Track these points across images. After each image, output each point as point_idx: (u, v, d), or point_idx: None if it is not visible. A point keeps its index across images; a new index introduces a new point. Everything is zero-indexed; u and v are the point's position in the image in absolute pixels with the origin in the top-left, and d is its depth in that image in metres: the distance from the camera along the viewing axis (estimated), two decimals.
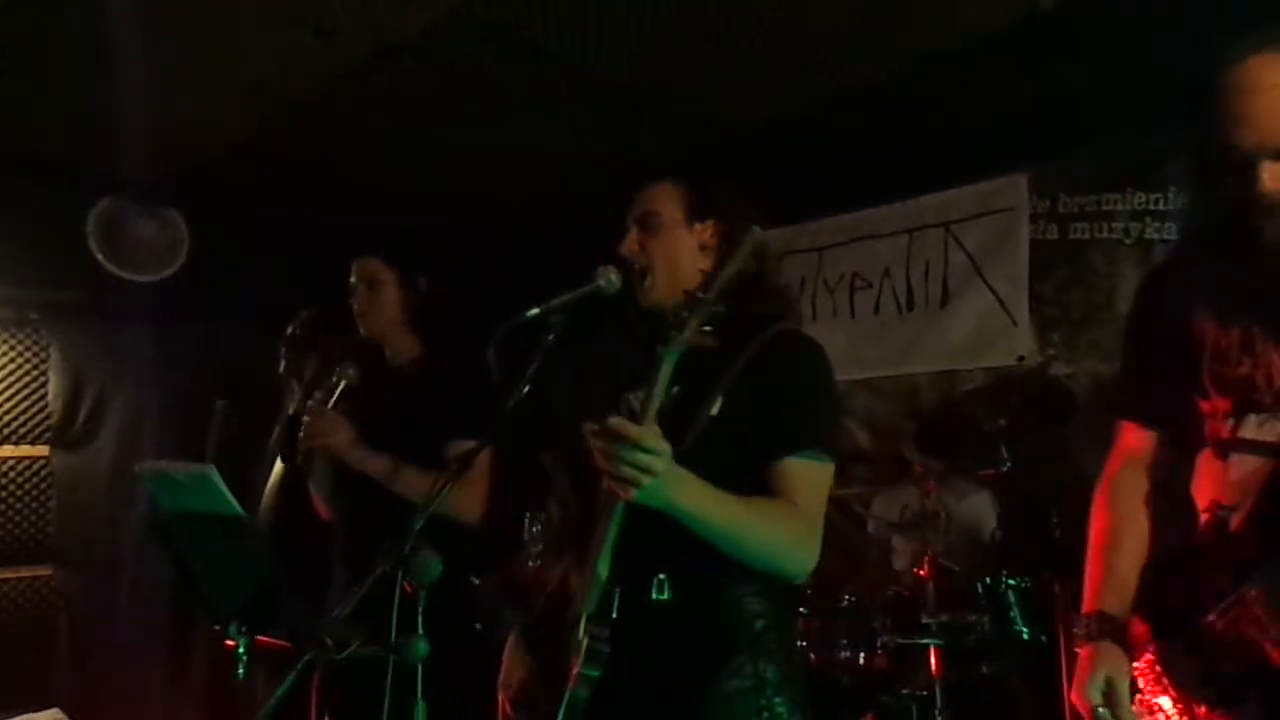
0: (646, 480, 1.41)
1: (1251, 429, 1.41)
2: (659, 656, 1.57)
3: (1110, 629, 1.46)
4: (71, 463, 3.93)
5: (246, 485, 2.83)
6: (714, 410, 1.58)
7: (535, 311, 1.71)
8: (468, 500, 2.31)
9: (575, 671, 1.56)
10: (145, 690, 3.79)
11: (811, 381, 1.63)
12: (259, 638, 2.03)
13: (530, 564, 3.78)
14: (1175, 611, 1.43)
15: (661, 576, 1.56)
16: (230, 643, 2.02)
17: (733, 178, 1.80)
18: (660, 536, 1.52)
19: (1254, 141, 1.39)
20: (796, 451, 1.57)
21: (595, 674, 1.54)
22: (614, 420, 1.42)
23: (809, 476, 1.57)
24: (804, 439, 1.58)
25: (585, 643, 1.56)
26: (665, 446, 1.42)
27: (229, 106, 3.26)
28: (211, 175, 3.69)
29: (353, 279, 2.52)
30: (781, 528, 1.54)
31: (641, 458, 1.40)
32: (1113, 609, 1.48)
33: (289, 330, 2.95)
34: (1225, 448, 1.43)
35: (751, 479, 1.57)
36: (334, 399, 2.39)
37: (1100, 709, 1.41)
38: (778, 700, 1.53)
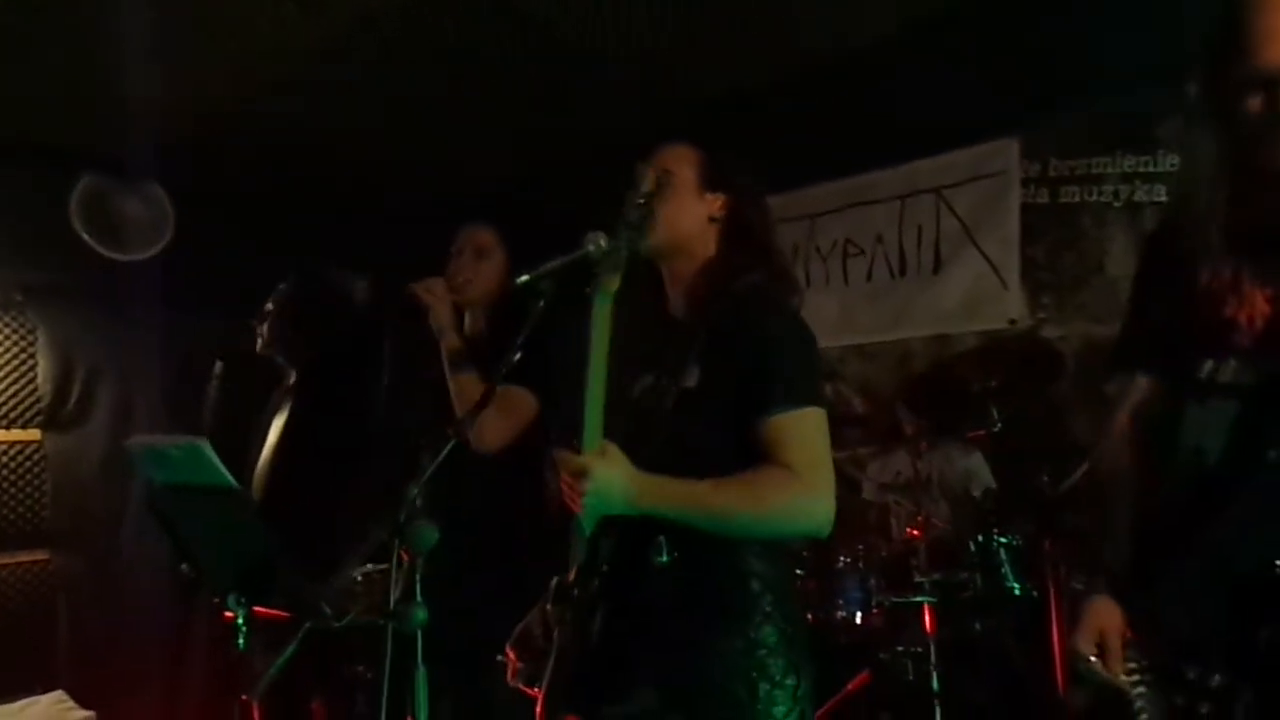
0: (587, 499, 1.50)
1: (1230, 372, 1.40)
2: (658, 617, 1.58)
3: (1104, 583, 1.48)
4: (64, 445, 3.90)
5: (242, 455, 2.85)
6: (691, 382, 1.58)
7: (524, 278, 1.71)
8: (490, 430, 2.28)
9: (562, 624, 1.60)
10: (146, 668, 3.80)
11: (777, 335, 1.61)
12: (257, 608, 2.04)
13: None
14: (1145, 566, 1.44)
15: (661, 539, 1.58)
16: (229, 614, 2.03)
17: (731, 144, 1.79)
18: None
19: (1278, 57, 1.33)
20: (775, 408, 1.55)
21: (577, 621, 1.58)
22: (555, 454, 1.53)
23: (795, 429, 1.55)
24: (780, 394, 1.56)
25: (570, 593, 1.60)
26: (595, 467, 1.50)
27: (214, 82, 3.23)
28: (196, 152, 3.66)
29: (459, 244, 2.52)
30: (766, 498, 1.54)
31: (581, 483, 1.49)
32: (1108, 562, 1.49)
33: (266, 305, 2.95)
34: (1206, 392, 1.42)
35: (741, 445, 1.57)
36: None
37: (1092, 658, 1.43)
38: (771, 662, 1.54)
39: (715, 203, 1.72)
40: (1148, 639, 1.40)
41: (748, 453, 1.56)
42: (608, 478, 1.50)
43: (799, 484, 1.54)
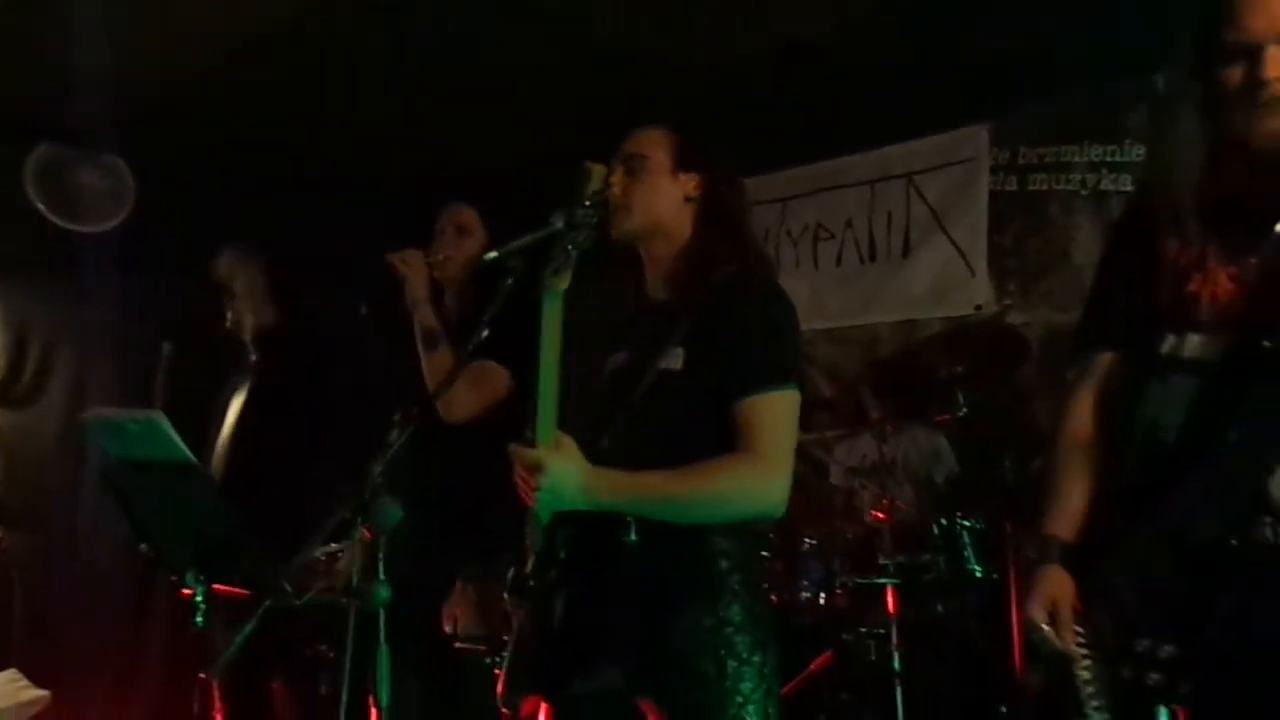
0: (541, 494, 1.52)
1: (1193, 348, 1.41)
2: (628, 596, 1.59)
3: (1057, 553, 1.50)
4: (18, 421, 3.82)
5: (198, 435, 2.81)
6: (677, 364, 1.59)
7: (493, 254, 1.71)
8: (458, 402, 2.30)
9: (521, 609, 1.61)
10: (103, 647, 3.75)
11: (759, 317, 1.63)
12: (216, 586, 2.02)
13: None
14: (1098, 540, 1.46)
15: (630, 518, 1.58)
16: (187, 591, 2.01)
17: (702, 128, 1.79)
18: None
19: (1261, 26, 1.34)
20: (752, 389, 1.57)
21: (534, 608, 1.58)
22: (510, 447, 1.55)
23: (768, 410, 1.57)
24: (758, 375, 1.58)
25: (528, 580, 1.61)
26: (549, 461, 1.51)
27: (173, 48, 3.15)
28: (157, 121, 3.57)
29: (441, 223, 2.54)
30: (718, 483, 1.56)
31: (535, 477, 1.51)
32: (1061, 533, 1.51)
33: (226, 280, 2.90)
34: (1167, 367, 1.42)
35: (719, 428, 1.58)
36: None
37: (1044, 626, 1.46)
38: (738, 639, 1.55)
39: (690, 183, 1.72)
40: (1096, 611, 1.41)
41: (723, 434, 1.57)
42: (562, 472, 1.52)
43: (753, 467, 1.56)
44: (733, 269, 1.66)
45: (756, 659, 1.56)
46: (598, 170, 1.67)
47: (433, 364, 2.34)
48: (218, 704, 2.57)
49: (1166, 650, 1.32)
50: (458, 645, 2.22)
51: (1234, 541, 1.31)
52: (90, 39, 2.99)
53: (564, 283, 1.62)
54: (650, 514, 1.55)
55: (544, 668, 1.60)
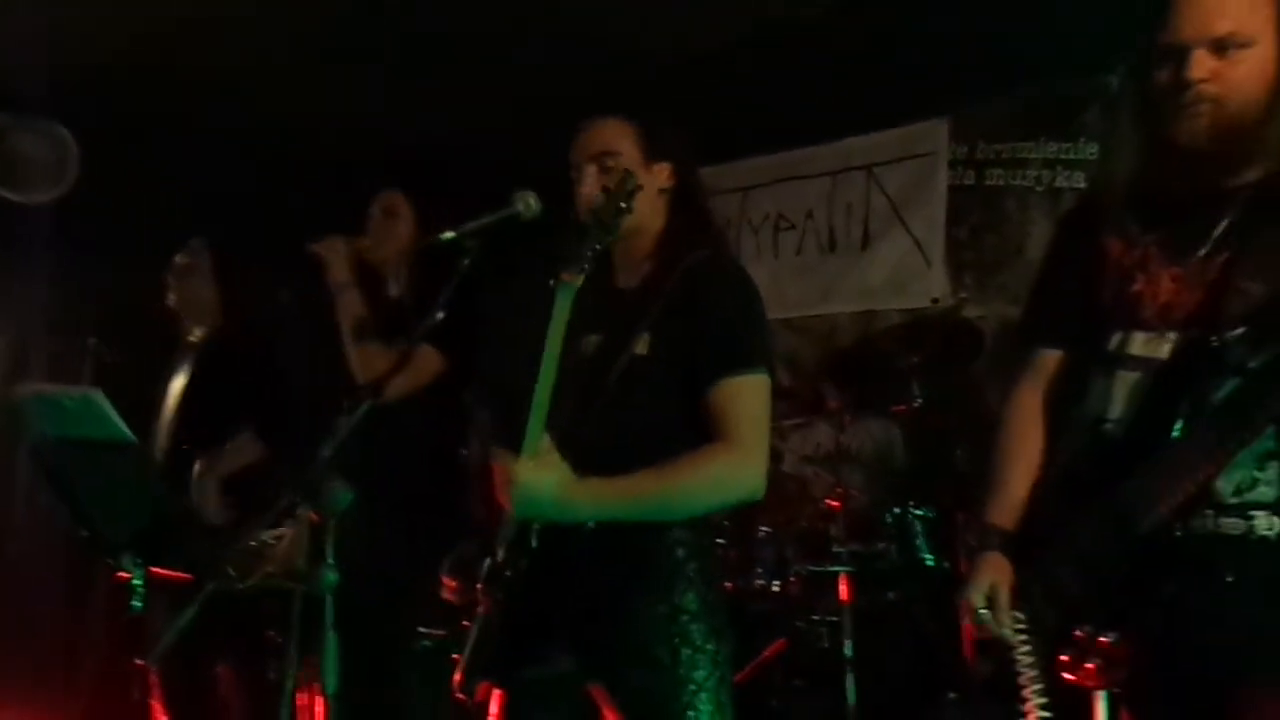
0: (515, 505, 1.52)
1: (1138, 346, 1.44)
2: (584, 583, 1.59)
3: (997, 540, 1.53)
4: None
5: (137, 413, 2.75)
6: (643, 350, 1.58)
7: (449, 234, 1.70)
8: (395, 388, 2.28)
9: (487, 598, 1.59)
10: (40, 632, 3.65)
11: (731, 302, 1.63)
12: (156, 569, 1.97)
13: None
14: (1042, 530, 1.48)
15: None
16: (123, 575, 1.96)
17: (669, 111, 1.78)
18: (589, 467, 1.55)
19: (1189, 29, 1.38)
20: (725, 373, 1.57)
21: (504, 598, 1.57)
22: (501, 459, 1.54)
23: (741, 394, 1.58)
24: (731, 359, 1.58)
25: (497, 569, 1.59)
26: (522, 475, 1.50)
27: (120, 15, 3.04)
28: (99, 89, 3.45)
29: (372, 208, 2.59)
30: (704, 477, 1.56)
31: (531, 500, 1.51)
32: (1001, 522, 1.54)
33: (176, 260, 2.85)
34: (1113, 364, 1.46)
35: (689, 413, 1.58)
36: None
37: (981, 610, 1.49)
38: (693, 627, 1.56)
39: (662, 173, 1.71)
40: (1040, 599, 1.44)
41: (694, 419, 1.58)
42: (534, 486, 1.51)
43: (730, 455, 1.56)
44: (706, 254, 1.66)
45: (710, 647, 1.57)
46: (630, 173, 1.64)
47: (360, 354, 2.36)
48: (157, 690, 2.52)
49: (1106, 636, 1.35)
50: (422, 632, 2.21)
51: (1177, 532, 1.34)
52: (32, 8, 2.89)
53: (579, 280, 1.60)
54: (635, 518, 1.55)
55: (499, 654, 1.59)
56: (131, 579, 1.97)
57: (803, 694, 3.09)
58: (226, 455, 2.62)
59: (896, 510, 3.04)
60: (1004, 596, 1.47)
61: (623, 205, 1.59)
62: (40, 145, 3.66)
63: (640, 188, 1.61)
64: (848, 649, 2.89)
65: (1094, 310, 1.50)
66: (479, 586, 1.63)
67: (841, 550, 2.97)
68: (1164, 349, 1.41)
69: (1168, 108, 1.41)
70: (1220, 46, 1.37)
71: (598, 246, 1.59)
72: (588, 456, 1.55)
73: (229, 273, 2.91)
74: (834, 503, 3.05)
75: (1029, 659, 1.42)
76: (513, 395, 1.58)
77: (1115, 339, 1.46)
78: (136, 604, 1.97)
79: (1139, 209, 1.47)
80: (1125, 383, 1.44)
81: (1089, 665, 1.36)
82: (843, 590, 2.94)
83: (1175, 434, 1.35)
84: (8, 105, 3.54)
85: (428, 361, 2.32)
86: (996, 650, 1.48)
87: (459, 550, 1.85)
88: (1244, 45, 1.37)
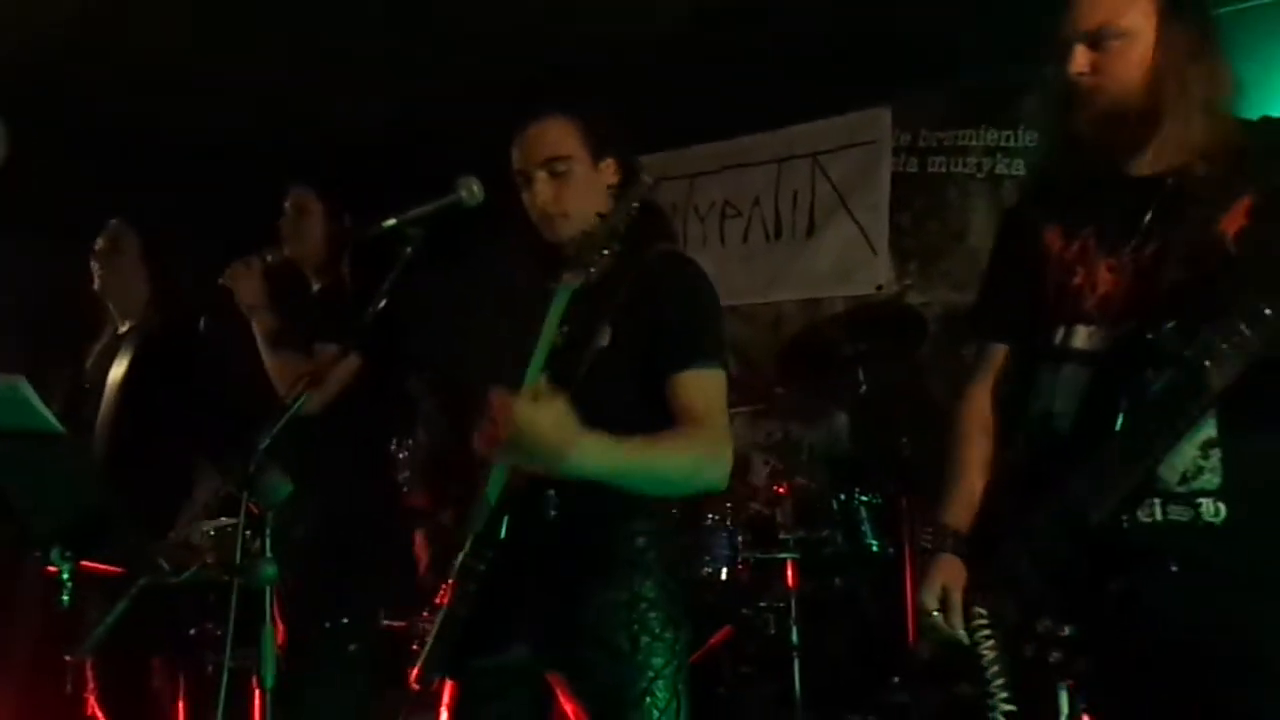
0: (507, 444, 1.41)
1: (1081, 339, 1.46)
2: (543, 571, 1.58)
3: (951, 541, 1.54)
4: None
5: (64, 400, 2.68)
6: (604, 341, 1.56)
7: (391, 222, 1.67)
8: (284, 380, 2.39)
9: (453, 589, 1.56)
10: None
11: (689, 297, 1.64)
12: (86, 563, 1.92)
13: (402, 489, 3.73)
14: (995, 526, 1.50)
15: (551, 492, 1.57)
16: (52, 569, 1.90)
17: (606, 102, 1.76)
18: None
19: (1073, 22, 1.43)
20: (685, 366, 1.57)
21: (473, 590, 1.54)
22: (500, 396, 1.42)
23: (702, 386, 1.58)
24: (689, 353, 1.59)
25: (463, 561, 1.56)
26: (524, 411, 1.39)
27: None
28: (27, 71, 3.32)
29: (285, 204, 2.61)
30: (689, 452, 1.55)
31: (527, 438, 1.39)
32: (955, 522, 1.55)
33: (98, 245, 2.79)
34: (1058, 358, 1.47)
35: (648, 403, 1.58)
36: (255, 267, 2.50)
37: (934, 613, 1.50)
38: (651, 615, 1.56)
39: (609, 169, 1.70)
40: (999, 594, 1.45)
41: (654, 409, 1.57)
42: (538, 424, 1.39)
43: (709, 436, 1.56)
44: (666, 247, 1.67)
45: (669, 635, 1.57)
46: (644, 177, 1.65)
47: (276, 366, 2.43)
48: (91, 685, 2.46)
49: (1066, 630, 1.37)
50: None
51: (1125, 522, 1.36)
52: None
53: (579, 280, 1.60)
54: (624, 483, 1.51)
55: (458, 649, 1.57)
56: (60, 573, 1.91)
57: (750, 680, 3.11)
58: (196, 501, 2.61)
59: (842, 497, 3.07)
60: (956, 597, 1.48)
61: (636, 205, 1.62)
62: None
63: (565, 174, 1.65)
64: (794, 635, 2.92)
65: (1039, 304, 1.51)
66: (449, 581, 1.60)
67: (789, 537, 2.99)
68: (1105, 342, 1.43)
69: (1061, 100, 1.46)
70: (1096, 39, 1.41)
71: (606, 251, 1.59)
72: None
73: (157, 258, 2.84)
74: (781, 489, 3.07)
75: (992, 654, 1.43)
76: (466, 385, 1.56)
77: (1059, 333, 1.48)
78: (64, 599, 1.91)
79: (1073, 201, 1.50)
80: (1069, 376, 1.45)
81: (1049, 659, 1.37)
82: (790, 577, 2.96)
83: (1118, 426, 1.36)
84: None
85: (342, 369, 2.32)
86: (947, 647, 1.49)
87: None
88: (1119, 37, 1.41)
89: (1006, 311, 1.59)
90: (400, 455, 3.86)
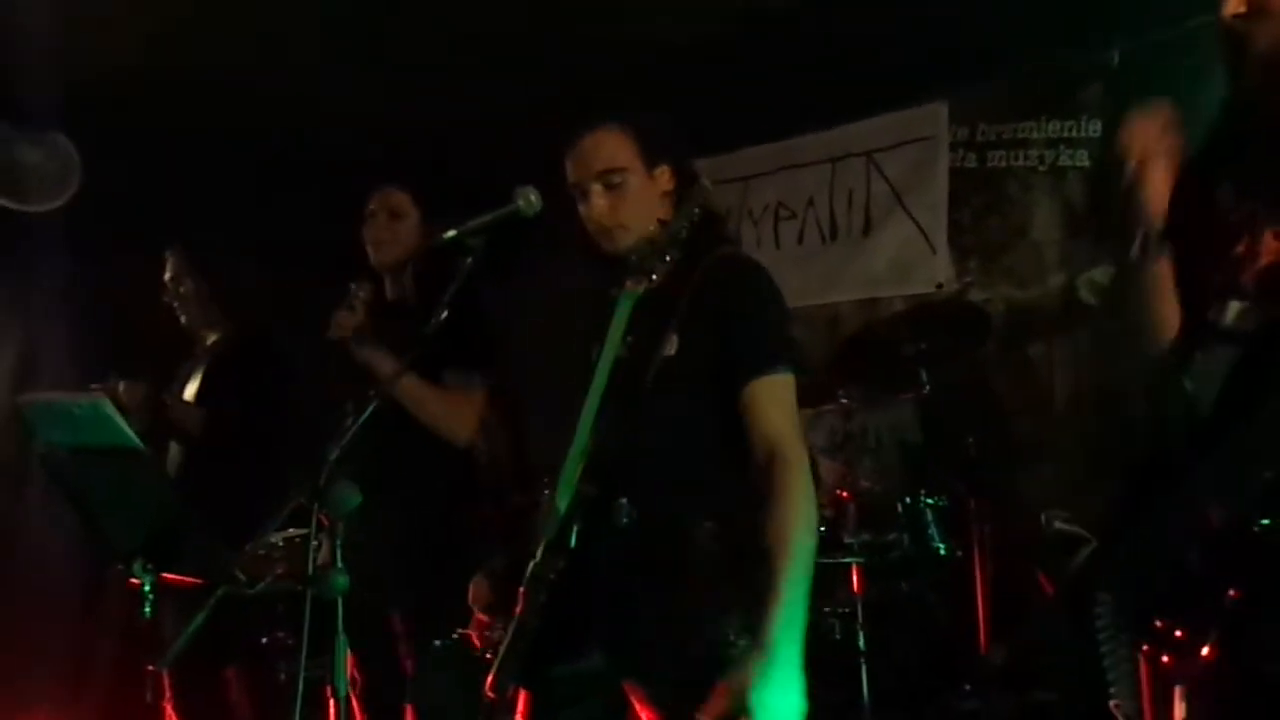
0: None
1: (1233, 315, 1.35)
2: (616, 578, 1.57)
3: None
4: None
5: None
6: (671, 350, 1.56)
7: (452, 233, 1.68)
8: (460, 420, 2.35)
9: (525, 598, 1.56)
10: (51, 638, 3.66)
11: (754, 300, 1.62)
12: (166, 575, 1.97)
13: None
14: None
15: (623, 500, 1.56)
16: (134, 581, 1.95)
17: (657, 107, 1.75)
18: (623, 464, 1.54)
19: None
20: (756, 374, 1.55)
21: (543, 599, 1.53)
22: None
23: (775, 395, 1.55)
24: (759, 360, 1.56)
25: (534, 570, 1.56)
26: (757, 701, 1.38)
27: (120, 20, 3.03)
28: (104, 97, 3.45)
29: (372, 207, 2.50)
30: (799, 515, 1.50)
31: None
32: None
33: (167, 277, 2.88)
34: (1209, 334, 1.36)
35: (718, 410, 1.57)
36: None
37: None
38: (724, 620, 1.53)
39: (663, 176, 1.69)
40: (1118, 589, 1.38)
41: (723, 416, 1.56)
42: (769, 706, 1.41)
43: (789, 472, 1.52)
44: (728, 250, 1.66)
45: (744, 643, 1.52)
46: (703, 181, 1.65)
47: (411, 395, 2.29)
48: (169, 694, 2.53)
49: (1184, 631, 1.29)
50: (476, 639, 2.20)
51: (1262, 521, 1.24)
52: (34, 18, 2.88)
53: (643, 286, 1.60)
54: (803, 603, 1.49)
55: (533, 659, 1.57)
56: (142, 585, 1.96)
57: (815, 686, 3.06)
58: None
59: (908, 499, 3.01)
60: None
61: (697, 210, 1.62)
62: (44, 156, 3.67)
63: (621, 187, 1.64)
64: (860, 640, 2.87)
65: (1199, 273, 1.40)
66: (521, 590, 1.60)
67: (853, 540, 2.94)
68: (1258, 321, 1.32)
69: (1224, 46, 1.34)
70: None
71: (668, 258, 1.59)
72: (628, 458, 1.54)
73: (211, 275, 2.91)
74: (844, 493, 3.03)
75: (1111, 652, 1.37)
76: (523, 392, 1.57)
77: (1215, 308, 1.36)
78: (146, 610, 1.96)
79: (1248, 159, 1.37)
80: (1215, 356, 1.35)
81: (1165, 658, 1.30)
82: (855, 581, 2.92)
83: (1259, 415, 1.25)
84: (11, 117, 3.55)
85: (479, 398, 2.38)
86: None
87: (490, 561, 1.83)
88: None
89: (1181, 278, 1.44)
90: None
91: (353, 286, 2.41)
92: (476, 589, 1.89)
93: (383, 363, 2.31)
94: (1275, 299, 1.31)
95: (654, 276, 1.59)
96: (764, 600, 1.45)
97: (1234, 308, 1.36)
